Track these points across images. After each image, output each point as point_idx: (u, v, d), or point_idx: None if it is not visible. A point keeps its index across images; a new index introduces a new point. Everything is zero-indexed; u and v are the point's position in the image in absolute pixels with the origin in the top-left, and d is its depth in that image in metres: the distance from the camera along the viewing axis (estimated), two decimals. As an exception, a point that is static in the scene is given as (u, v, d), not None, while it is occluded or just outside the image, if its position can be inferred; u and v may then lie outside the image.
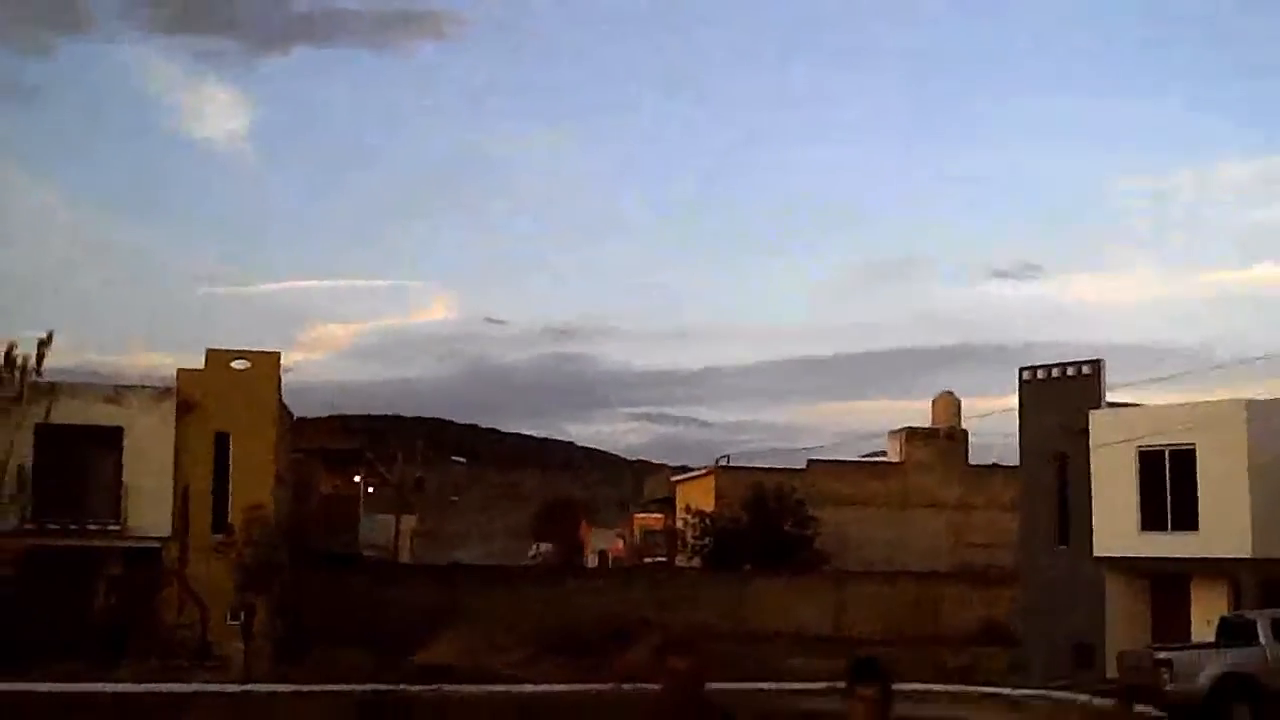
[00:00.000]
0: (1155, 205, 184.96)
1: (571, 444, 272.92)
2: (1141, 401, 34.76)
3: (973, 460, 55.69)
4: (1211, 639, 26.54)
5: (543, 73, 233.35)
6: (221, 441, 35.70)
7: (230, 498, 35.41)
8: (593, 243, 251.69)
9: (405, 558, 60.03)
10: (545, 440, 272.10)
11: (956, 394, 56.98)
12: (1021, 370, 36.28)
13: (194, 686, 28.05)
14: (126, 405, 35.25)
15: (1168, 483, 31.92)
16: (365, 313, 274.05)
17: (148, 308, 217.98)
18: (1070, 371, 35.00)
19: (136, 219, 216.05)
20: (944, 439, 55.31)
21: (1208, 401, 32.56)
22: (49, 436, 34.53)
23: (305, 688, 27.99)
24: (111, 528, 34.61)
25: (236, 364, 36.30)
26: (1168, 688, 23.75)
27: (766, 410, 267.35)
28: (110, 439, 35.01)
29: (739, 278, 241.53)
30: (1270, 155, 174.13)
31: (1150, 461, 32.31)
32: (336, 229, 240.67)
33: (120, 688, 27.60)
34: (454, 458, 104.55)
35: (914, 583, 47.38)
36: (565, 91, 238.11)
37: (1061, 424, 34.36)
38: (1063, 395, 34.86)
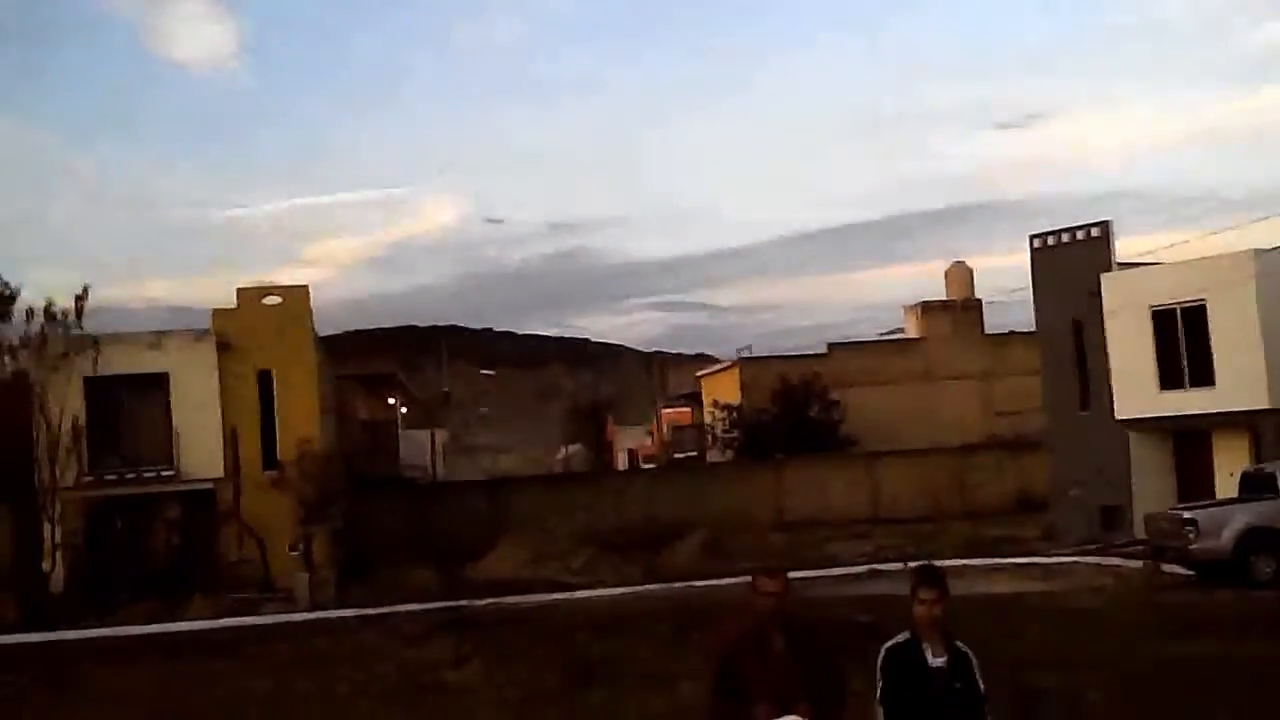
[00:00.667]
0: (1150, 36, 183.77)
1: (587, 340, 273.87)
2: (1156, 247, 35.66)
3: (990, 327, 56.71)
4: (1234, 493, 27.62)
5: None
6: (264, 379, 36.88)
7: (278, 433, 36.67)
8: (584, 132, 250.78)
9: (440, 472, 61.60)
10: (561, 339, 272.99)
11: (968, 257, 58.04)
12: (1031, 237, 37.17)
13: (273, 618, 29.58)
14: (168, 350, 36.39)
15: (1182, 341, 32.86)
16: (367, 225, 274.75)
17: (148, 236, 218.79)
18: (1079, 235, 35.83)
19: (128, 147, 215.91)
20: (960, 309, 56.34)
21: (1215, 256, 33.37)
22: (97, 388, 35.77)
23: (374, 610, 29.53)
24: (165, 473, 35.94)
25: (268, 300, 37.39)
26: (1193, 546, 24.92)
27: (778, 288, 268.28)
28: (156, 384, 36.24)
29: (734, 155, 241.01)
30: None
31: (1163, 321, 33.27)
32: (329, 142, 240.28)
33: (204, 624, 29.21)
34: (482, 370, 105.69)
35: (945, 457, 48.54)
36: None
37: (1074, 288, 35.31)
38: (1073, 259, 35.76)
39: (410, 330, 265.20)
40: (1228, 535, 24.77)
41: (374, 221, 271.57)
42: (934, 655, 6.87)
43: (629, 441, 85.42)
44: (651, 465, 72.51)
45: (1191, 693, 14.32)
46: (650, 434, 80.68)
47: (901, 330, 58.40)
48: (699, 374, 65.47)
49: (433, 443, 57.69)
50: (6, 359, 36.27)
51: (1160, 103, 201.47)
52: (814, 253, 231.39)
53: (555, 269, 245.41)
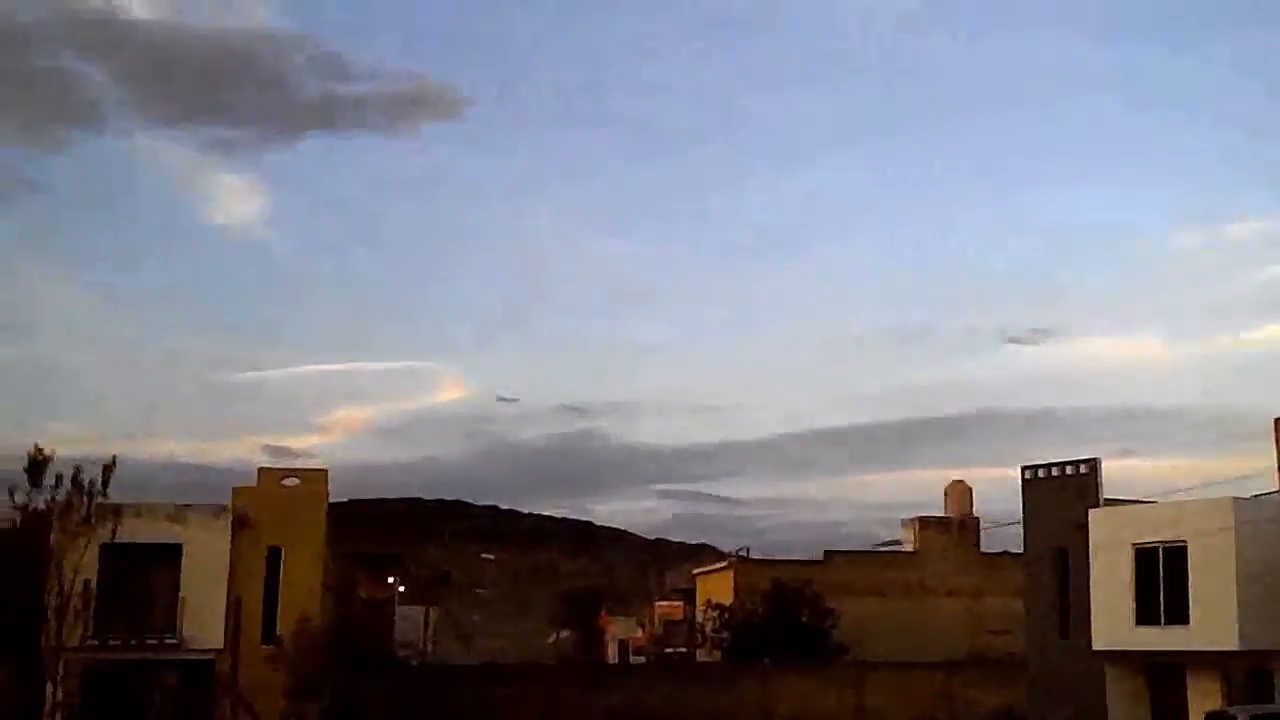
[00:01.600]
0: (1168, 264, 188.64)
1: (590, 523, 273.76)
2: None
3: (989, 542, 58.09)
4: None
5: (544, 151, 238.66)
6: (273, 555, 38.41)
7: (280, 609, 38.03)
8: (603, 317, 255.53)
9: (432, 651, 62.50)
10: (565, 520, 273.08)
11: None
12: (1023, 469, 38.99)
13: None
14: (186, 523, 38.04)
15: (1161, 579, 34.35)
16: (381, 395, 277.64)
17: (166, 395, 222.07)
18: (1069, 470, 37.65)
19: (153, 307, 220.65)
20: (957, 527, 57.84)
21: (1197, 500, 35.08)
22: (113, 553, 37.22)
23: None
24: (169, 640, 37.30)
25: (287, 482, 39.15)
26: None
27: (788, 484, 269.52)
28: (170, 555, 37.79)
29: (752, 350, 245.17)
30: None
31: (1145, 558, 34.81)
32: (351, 312, 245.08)
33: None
34: (482, 555, 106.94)
35: (932, 672, 49.40)
36: (568, 169, 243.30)
37: (1061, 520, 36.93)
38: (1062, 492, 37.50)
39: (416, 503, 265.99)
40: (1191, 774, 25.90)
41: (388, 392, 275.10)
42: None
43: (621, 632, 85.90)
44: (641, 658, 73.30)
45: None
46: (642, 626, 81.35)
47: (899, 542, 59.81)
48: (695, 571, 66.71)
49: (426, 623, 58.78)
50: (25, 521, 37.86)
51: (1170, 329, 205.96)
52: (825, 452, 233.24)
53: (564, 450, 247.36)
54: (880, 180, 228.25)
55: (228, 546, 38.06)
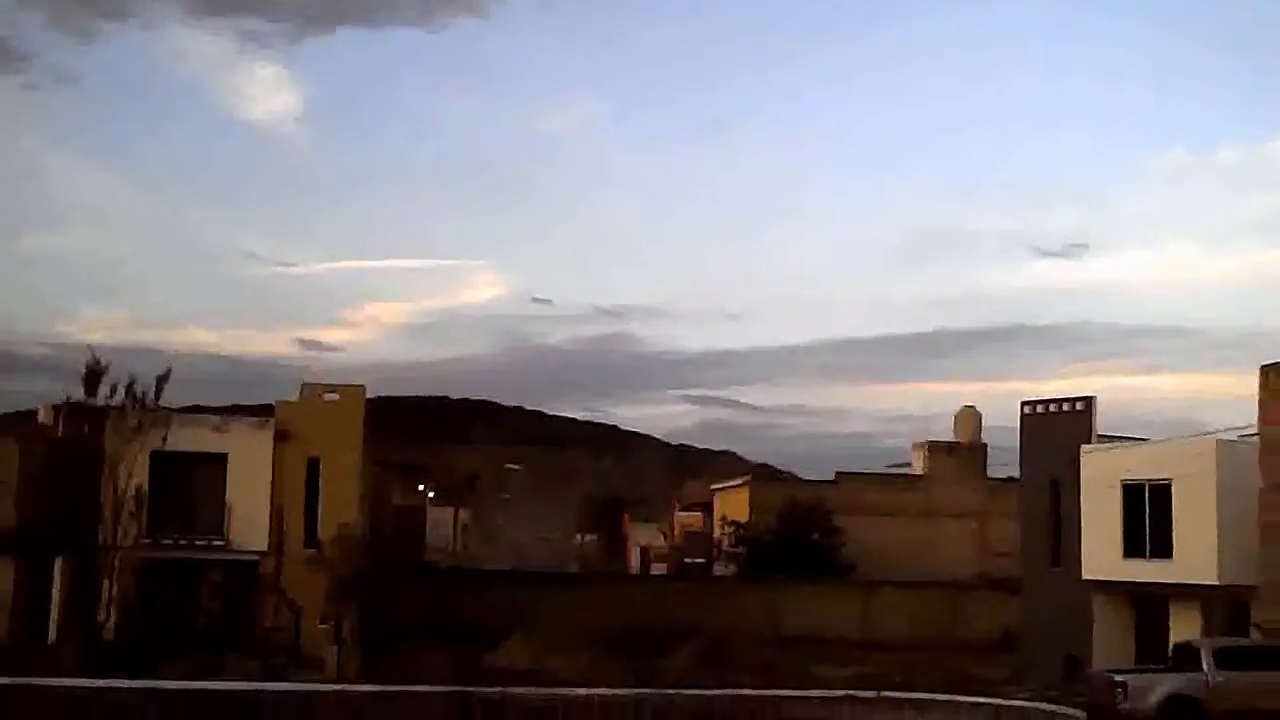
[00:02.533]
0: (1199, 181, 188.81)
1: (615, 427, 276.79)
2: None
3: (998, 468, 60.45)
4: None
5: (586, 48, 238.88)
6: (312, 465, 41.20)
7: (320, 515, 40.88)
8: (639, 221, 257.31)
9: (460, 549, 65.56)
10: (589, 423, 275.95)
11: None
12: (1022, 404, 41.34)
13: (304, 686, 33.52)
14: (231, 434, 40.86)
15: (1147, 514, 36.71)
16: (413, 292, 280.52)
17: (199, 286, 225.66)
18: (1066, 407, 39.98)
19: (186, 199, 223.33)
20: (966, 451, 60.30)
21: (1183, 440, 37.33)
22: (163, 461, 40.19)
23: (396, 688, 33.41)
24: (216, 542, 40.32)
25: (327, 396, 41.84)
26: (1122, 706, 28.62)
27: (812, 392, 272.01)
28: (216, 463, 40.65)
29: (786, 257, 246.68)
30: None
31: (1132, 494, 37.15)
32: (384, 208, 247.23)
33: (238, 686, 33.13)
34: (508, 465, 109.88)
35: (937, 591, 52.24)
36: (610, 67, 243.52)
37: (1057, 455, 39.27)
38: (1059, 428, 39.83)
39: (443, 401, 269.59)
40: (1153, 699, 28.47)
41: (421, 289, 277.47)
42: None
43: (642, 538, 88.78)
44: (662, 565, 76.31)
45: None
46: (664, 534, 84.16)
47: (908, 464, 62.31)
48: (713, 487, 69.49)
49: (455, 528, 61.73)
50: (87, 426, 40.83)
51: (1206, 245, 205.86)
52: (851, 360, 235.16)
53: (592, 353, 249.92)
54: (914, 100, 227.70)
55: (270, 456, 40.87)
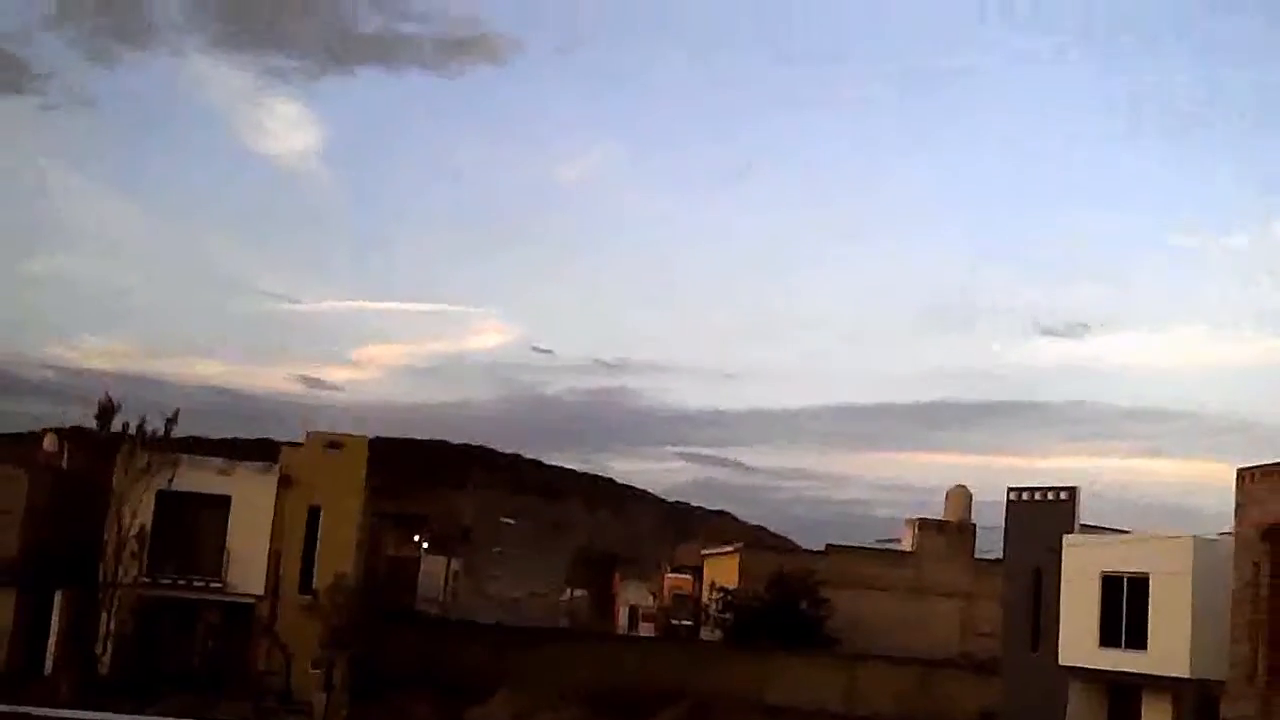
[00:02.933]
0: (1203, 267, 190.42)
1: (612, 480, 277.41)
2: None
3: (989, 546, 61.28)
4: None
5: (602, 95, 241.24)
6: (313, 513, 42.28)
7: (317, 562, 41.93)
8: (646, 271, 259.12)
9: (451, 603, 66.51)
10: (585, 474, 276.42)
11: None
12: (1009, 490, 42.50)
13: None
14: (235, 477, 42.00)
15: (1124, 606, 37.70)
16: (417, 335, 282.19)
17: (206, 318, 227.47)
18: (1050, 495, 41.11)
19: (198, 229, 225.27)
20: (955, 531, 61.27)
21: (1162, 537, 38.41)
22: (168, 500, 41.33)
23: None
24: (214, 584, 41.38)
25: (332, 448, 42.98)
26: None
27: (810, 457, 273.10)
28: (219, 505, 41.79)
29: (792, 318, 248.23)
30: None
31: (1111, 585, 38.17)
32: (395, 250, 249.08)
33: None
34: (503, 519, 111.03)
35: (920, 668, 52.91)
36: (626, 115, 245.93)
37: (1039, 542, 40.34)
38: (1042, 516, 40.95)
39: (441, 445, 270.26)
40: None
41: (425, 333, 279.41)
42: None
43: (632, 597, 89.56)
44: (650, 625, 77.20)
45: None
46: (653, 595, 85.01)
47: (898, 540, 63.26)
48: (703, 552, 70.40)
49: (446, 578, 62.67)
50: (93, 460, 42.06)
51: (1210, 330, 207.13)
52: (849, 428, 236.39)
53: (591, 405, 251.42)
54: (930, 173, 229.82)
55: (272, 502, 41.97)
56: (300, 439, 44.27)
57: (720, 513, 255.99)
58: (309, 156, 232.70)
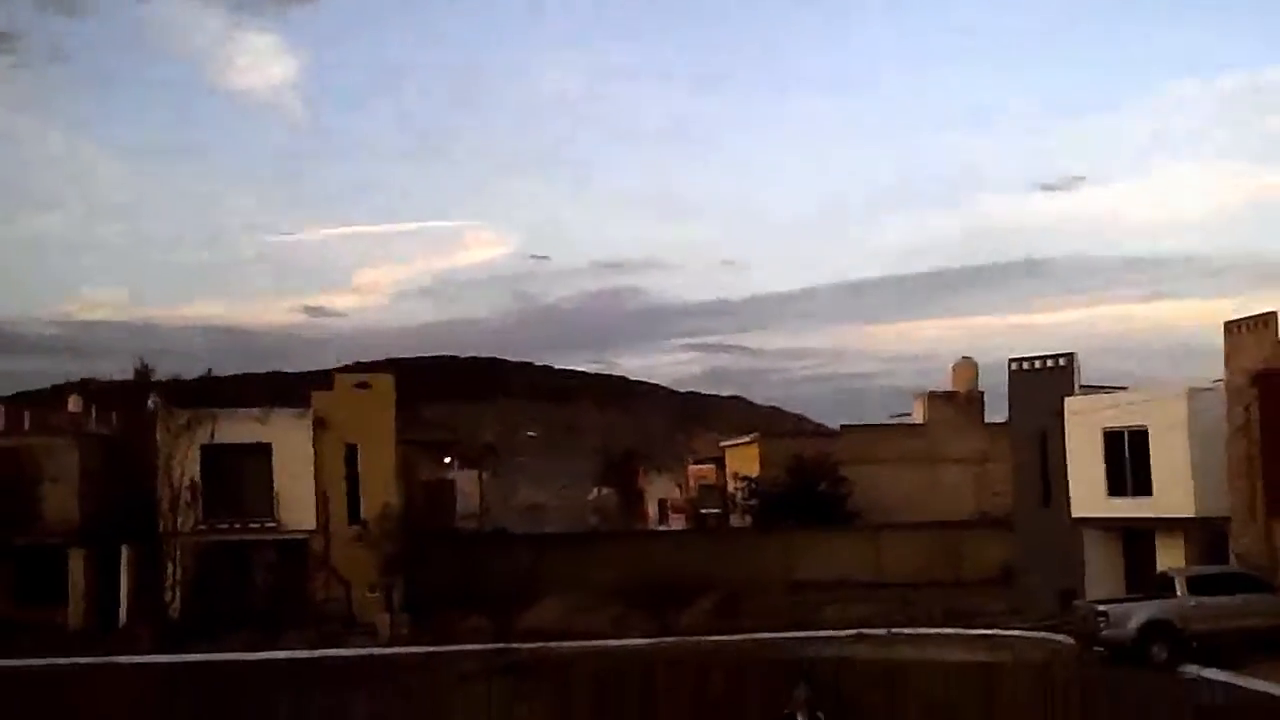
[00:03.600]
0: (1200, 108, 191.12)
1: (624, 378, 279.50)
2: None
3: (996, 405, 63.74)
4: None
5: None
6: (350, 451, 44.60)
7: (363, 496, 44.32)
8: (636, 172, 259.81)
9: (484, 514, 69.29)
10: (597, 375, 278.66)
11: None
12: (1010, 361, 44.61)
13: (366, 650, 37.12)
14: (273, 425, 44.31)
15: (1127, 457, 39.97)
16: (414, 254, 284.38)
17: (201, 259, 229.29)
18: (1049, 363, 43.28)
19: (183, 170, 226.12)
20: (963, 400, 63.67)
21: (1157, 390, 40.61)
22: (211, 452, 43.65)
23: (440, 649, 37.04)
24: (268, 524, 43.78)
25: (359, 388, 45.32)
26: (1105, 633, 31.97)
27: (818, 335, 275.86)
28: (262, 452, 44.09)
29: (781, 202, 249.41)
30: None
31: (1112, 440, 40.38)
32: (379, 172, 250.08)
33: (321, 653, 36.75)
34: (529, 434, 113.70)
35: (940, 531, 55.61)
36: (612, 19, 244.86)
37: (1042, 406, 42.55)
38: (1043, 382, 43.11)
39: (450, 361, 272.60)
40: (1132, 625, 31.75)
41: (421, 252, 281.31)
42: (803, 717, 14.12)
43: (659, 491, 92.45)
44: (680, 516, 79.99)
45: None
46: (679, 486, 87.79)
47: (909, 415, 65.68)
48: (723, 443, 72.94)
49: (481, 493, 65.30)
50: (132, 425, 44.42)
51: (1204, 173, 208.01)
52: (854, 303, 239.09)
53: (596, 306, 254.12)
54: (915, 27, 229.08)
55: (310, 444, 44.26)
56: (310, 370, 46.70)
57: (733, 399, 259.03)
58: (285, 89, 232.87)
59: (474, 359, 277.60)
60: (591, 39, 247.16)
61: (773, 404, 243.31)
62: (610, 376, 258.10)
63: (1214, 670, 29.19)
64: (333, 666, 34.07)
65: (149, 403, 47.58)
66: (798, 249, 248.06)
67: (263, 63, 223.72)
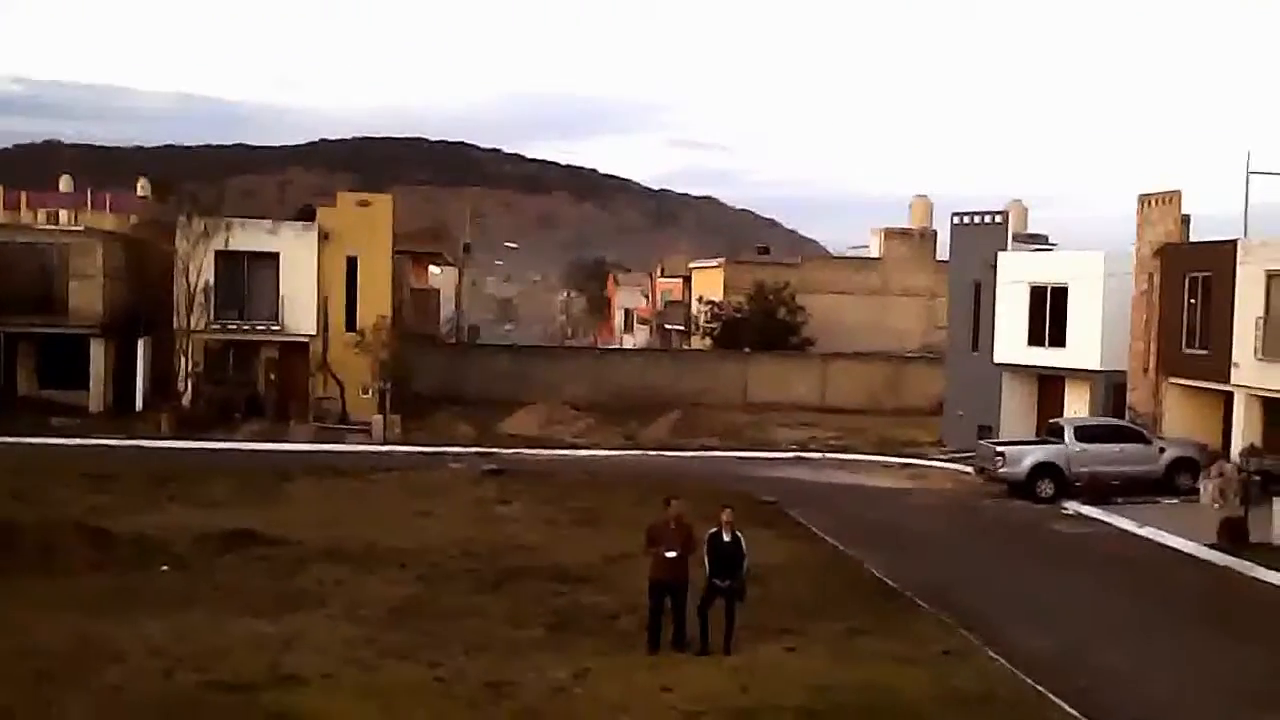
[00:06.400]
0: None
1: (595, 170, 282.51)
2: None
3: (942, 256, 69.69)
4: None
5: None
6: (350, 263, 50.29)
7: (359, 305, 50.18)
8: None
9: (460, 314, 75.20)
10: (569, 166, 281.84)
11: (928, 200, 71.22)
12: (952, 215, 50.36)
13: (361, 446, 43.58)
14: (282, 235, 50.01)
15: (1047, 311, 45.98)
16: (390, 33, 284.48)
17: (168, 21, 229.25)
18: (988, 219, 49.04)
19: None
20: (918, 237, 69.62)
21: (1079, 253, 46.49)
22: (225, 258, 49.34)
23: (431, 449, 43.56)
24: (274, 327, 49.68)
25: (361, 205, 50.84)
26: (1000, 470, 38.46)
27: (794, 134, 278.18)
28: (270, 260, 49.77)
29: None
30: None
31: (1037, 294, 46.34)
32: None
33: (317, 447, 43.22)
34: (507, 244, 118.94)
35: (886, 362, 62.15)
36: None
37: (978, 258, 48.40)
38: (981, 235, 48.88)
39: (419, 143, 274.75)
40: (1025, 465, 38.18)
41: (399, 29, 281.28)
42: (727, 537, 20.10)
43: (626, 301, 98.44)
44: (644, 327, 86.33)
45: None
46: (646, 297, 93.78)
47: (866, 247, 71.65)
48: (691, 265, 78.88)
49: (458, 302, 71.30)
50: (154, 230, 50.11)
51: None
52: (825, 104, 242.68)
53: (573, 96, 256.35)
54: None
55: (315, 255, 49.93)
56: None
57: (706, 199, 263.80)
58: None
59: (443, 142, 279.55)
60: None
61: (745, 206, 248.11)
62: (584, 169, 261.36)
63: (1088, 507, 35.88)
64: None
65: (137, 186, 53.11)
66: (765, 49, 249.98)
67: None
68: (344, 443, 45.33)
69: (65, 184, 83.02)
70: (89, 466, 35.54)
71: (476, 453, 43.12)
